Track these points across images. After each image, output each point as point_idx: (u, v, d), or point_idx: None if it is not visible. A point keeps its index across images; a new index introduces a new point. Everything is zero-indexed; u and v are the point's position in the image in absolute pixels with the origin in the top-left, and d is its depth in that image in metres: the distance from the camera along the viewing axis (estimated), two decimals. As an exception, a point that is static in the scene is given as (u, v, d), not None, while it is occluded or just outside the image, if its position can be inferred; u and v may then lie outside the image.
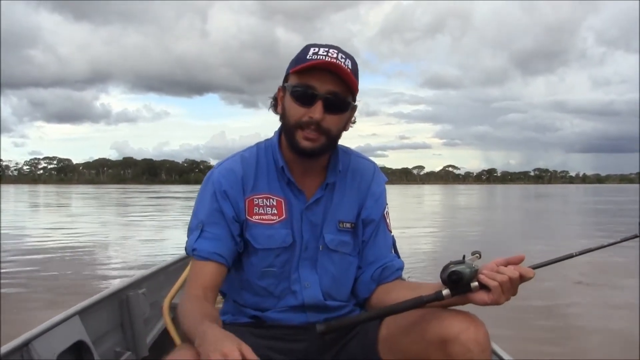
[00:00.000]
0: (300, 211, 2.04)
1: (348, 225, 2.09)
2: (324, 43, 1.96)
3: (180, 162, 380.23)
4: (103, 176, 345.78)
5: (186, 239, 2.02)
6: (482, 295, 1.75)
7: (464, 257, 1.80)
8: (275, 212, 2.02)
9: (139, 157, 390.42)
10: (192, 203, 2.07)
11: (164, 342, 3.76)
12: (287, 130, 1.97)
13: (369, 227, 2.11)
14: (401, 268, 2.15)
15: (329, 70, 1.87)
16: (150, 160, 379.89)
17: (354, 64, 1.94)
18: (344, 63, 1.88)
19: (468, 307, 1.82)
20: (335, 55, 1.88)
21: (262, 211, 2.02)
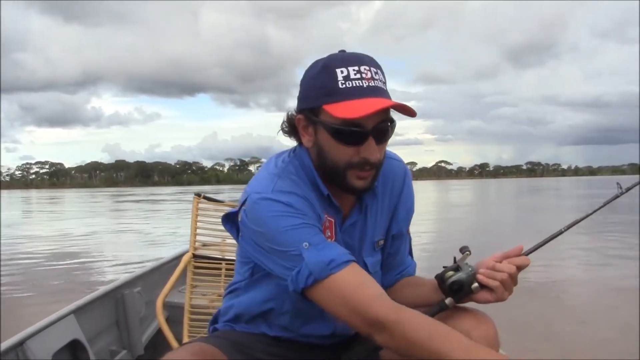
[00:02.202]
0: (338, 232, 1.85)
1: (382, 242, 1.98)
2: (341, 53, 1.73)
3: (173, 164, 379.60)
4: (95, 179, 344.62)
5: (289, 276, 1.65)
6: (485, 295, 1.76)
7: (454, 259, 1.80)
8: (329, 233, 1.82)
9: (131, 160, 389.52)
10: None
11: (159, 341, 3.76)
12: (332, 171, 1.74)
13: (398, 240, 2.02)
14: (414, 270, 2.13)
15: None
16: (143, 162, 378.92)
17: (381, 69, 1.72)
18: (380, 80, 1.68)
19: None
20: (369, 75, 1.66)
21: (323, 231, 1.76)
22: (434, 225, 20.49)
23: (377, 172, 1.77)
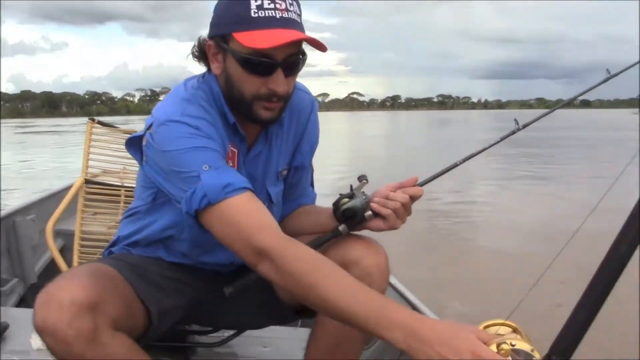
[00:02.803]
0: (242, 163, 1.85)
1: (285, 172, 2.00)
2: None
3: (81, 95, 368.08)
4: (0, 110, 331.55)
5: (183, 197, 1.62)
6: (378, 223, 1.78)
7: (351, 187, 1.82)
8: (232, 164, 1.81)
9: (37, 90, 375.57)
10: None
11: (54, 269, 3.71)
12: (239, 100, 1.72)
13: (300, 172, 2.05)
14: (314, 200, 2.14)
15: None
16: (50, 93, 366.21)
17: (297, 1, 1.69)
18: (295, 12, 1.66)
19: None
20: (283, 7, 1.63)
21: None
22: (341, 156, 20.69)
23: (285, 104, 1.76)
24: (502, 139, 1.94)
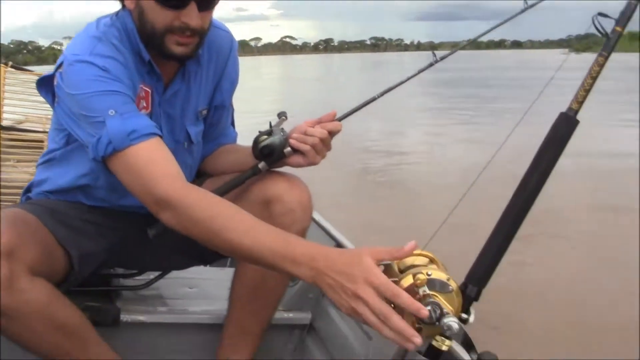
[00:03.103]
0: (158, 103, 1.81)
1: (205, 112, 1.96)
2: None
3: (6, 44, 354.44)
4: None
5: (91, 143, 1.58)
6: (297, 159, 1.77)
7: (270, 124, 1.80)
8: (145, 104, 1.76)
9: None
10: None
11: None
12: (151, 34, 1.67)
13: (220, 111, 2.02)
14: (235, 140, 2.12)
15: None
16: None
17: None
18: None
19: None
20: None
21: (137, 102, 1.72)
22: (272, 99, 20.62)
23: (201, 41, 1.72)
24: (419, 72, 1.94)
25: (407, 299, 1.18)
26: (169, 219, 1.49)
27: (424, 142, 11.12)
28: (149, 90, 1.76)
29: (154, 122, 1.64)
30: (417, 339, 1.19)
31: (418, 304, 1.20)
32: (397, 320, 1.18)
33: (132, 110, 1.60)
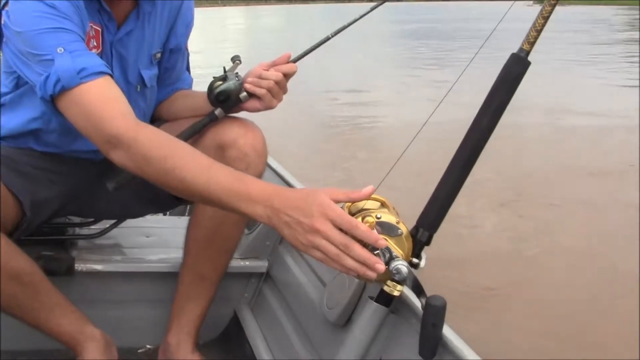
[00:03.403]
0: (110, 43, 1.76)
1: (159, 55, 1.92)
2: None
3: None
4: None
5: (39, 82, 1.53)
6: (254, 104, 1.76)
7: (224, 69, 1.78)
8: (95, 43, 1.71)
9: None
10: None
11: None
12: None
13: (175, 55, 1.98)
14: (191, 85, 2.09)
15: None
16: None
17: None
18: None
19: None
20: None
21: (86, 41, 1.66)
22: (235, 51, 20.37)
23: None
24: (372, 9, 1.89)
25: (365, 230, 1.19)
26: (121, 157, 1.46)
27: (387, 88, 11.12)
28: (99, 29, 1.71)
29: (105, 61, 1.60)
30: (380, 266, 1.19)
31: (376, 235, 1.20)
32: (358, 248, 1.18)
33: (81, 48, 1.55)
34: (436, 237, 1.34)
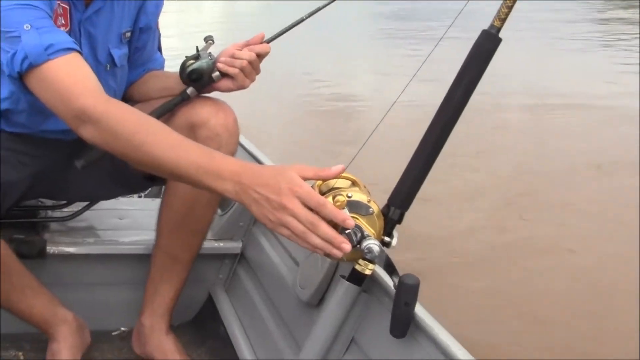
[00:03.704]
0: (78, 21, 1.73)
1: (129, 34, 1.89)
2: None
3: None
4: None
5: (7, 57, 1.50)
6: (226, 83, 1.74)
7: (197, 48, 1.77)
8: (63, 21, 1.68)
9: None
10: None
11: None
12: None
13: (146, 34, 1.96)
14: (162, 66, 2.07)
15: None
16: None
17: None
18: None
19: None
20: None
21: (54, 18, 1.63)
22: (211, 33, 20.22)
23: None
24: None
25: (332, 209, 1.18)
26: (90, 133, 1.44)
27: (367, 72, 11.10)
28: (67, 7, 1.68)
29: (73, 39, 1.58)
30: (346, 246, 1.19)
31: (343, 214, 1.20)
32: (325, 227, 1.18)
33: (49, 25, 1.52)
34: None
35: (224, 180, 1.28)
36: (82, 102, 1.43)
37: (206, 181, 1.30)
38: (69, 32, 1.68)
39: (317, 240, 1.18)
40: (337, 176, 1.26)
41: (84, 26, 1.74)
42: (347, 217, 1.19)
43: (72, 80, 1.48)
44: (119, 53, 1.86)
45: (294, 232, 1.19)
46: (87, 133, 1.45)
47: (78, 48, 1.54)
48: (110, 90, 1.83)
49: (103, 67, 1.82)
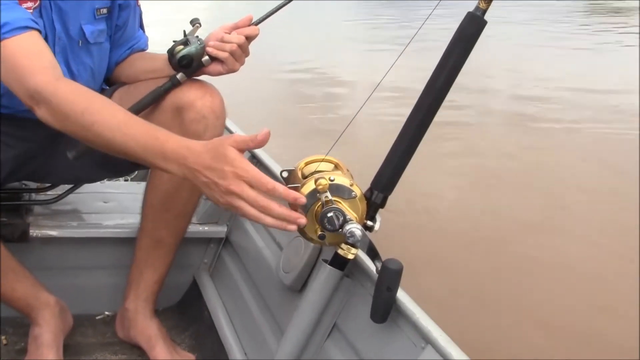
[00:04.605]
0: None
1: (104, 10, 1.84)
2: None
3: None
4: None
5: None
6: (216, 67, 1.72)
7: (184, 32, 1.74)
8: None
9: None
10: None
11: None
12: None
13: (126, 11, 1.92)
14: (146, 44, 2.05)
15: None
16: None
17: None
18: None
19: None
20: None
21: None
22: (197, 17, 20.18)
23: None
24: None
25: (283, 190, 1.20)
26: (44, 113, 1.44)
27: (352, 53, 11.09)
28: None
29: (45, 15, 1.60)
30: (302, 220, 1.21)
31: (294, 193, 1.21)
32: (276, 207, 1.20)
33: (9, 2, 1.51)
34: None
35: (169, 161, 1.29)
36: (34, 81, 1.44)
37: (154, 162, 1.32)
38: (40, 7, 1.66)
39: (271, 221, 1.21)
40: (266, 140, 1.24)
41: (54, 1, 1.70)
42: (298, 196, 1.20)
43: (25, 59, 1.48)
44: (92, 29, 1.82)
45: (246, 216, 1.21)
46: (41, 113, 1.45)
47: (36, 26, 1.53)
48: (86, 68, 1.82)
49: (75, 43, 1.79)
